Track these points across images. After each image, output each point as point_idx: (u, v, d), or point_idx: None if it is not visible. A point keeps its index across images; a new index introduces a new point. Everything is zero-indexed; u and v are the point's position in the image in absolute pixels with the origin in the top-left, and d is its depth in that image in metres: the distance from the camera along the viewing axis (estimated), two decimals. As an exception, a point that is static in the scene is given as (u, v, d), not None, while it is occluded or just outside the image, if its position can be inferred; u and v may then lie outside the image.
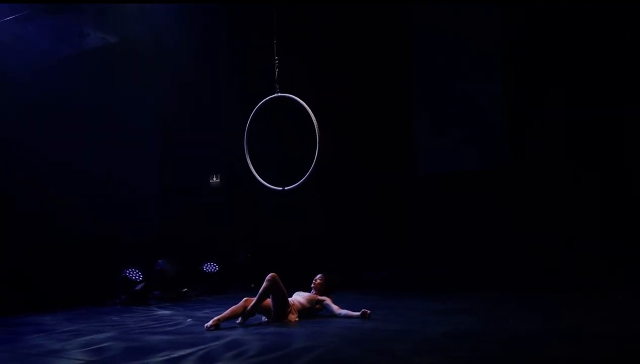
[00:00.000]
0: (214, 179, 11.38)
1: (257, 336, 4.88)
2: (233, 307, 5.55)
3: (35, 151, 7.94)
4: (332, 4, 9.98)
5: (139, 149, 9.65)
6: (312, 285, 6.20)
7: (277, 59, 6.74)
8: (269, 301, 5.68)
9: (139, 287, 7.88)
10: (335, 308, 6.00)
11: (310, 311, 6.04)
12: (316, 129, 6.32)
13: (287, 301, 5.78)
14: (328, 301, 6.10)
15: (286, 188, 6.52)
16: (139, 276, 8.01)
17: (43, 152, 8.01)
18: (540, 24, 9.35)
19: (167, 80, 9.81)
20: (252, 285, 9.06)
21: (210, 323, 5.31)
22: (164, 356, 4.12)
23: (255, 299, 5.54)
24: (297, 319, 5.78)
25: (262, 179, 6.67)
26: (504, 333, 4.78)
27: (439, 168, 10.20)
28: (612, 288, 7.44)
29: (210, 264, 9.26)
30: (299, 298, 6.04)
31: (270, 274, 5.57)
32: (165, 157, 10.07)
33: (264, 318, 5.75)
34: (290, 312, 5.76)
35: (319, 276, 6.24)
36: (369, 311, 5.80)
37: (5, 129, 7.63)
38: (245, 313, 5.51)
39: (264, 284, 5.55)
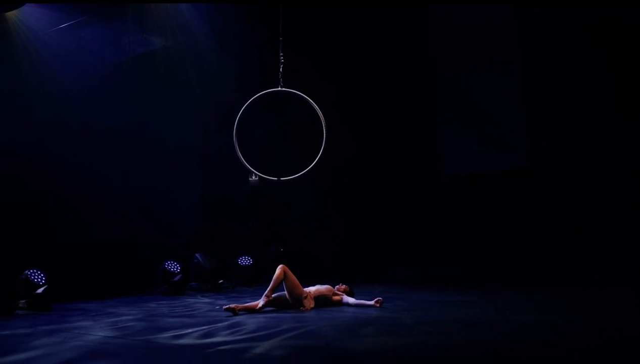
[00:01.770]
0: (253, 177, 12.13)
1: (258, 319, 5.54)
2: (253, 303, 6.20)
3: (87, 164, 8.86)
4: (354, 9, 10.50)
5: (180, 156, 10.51)
6: (336, 288, 6.86)
7: (282, 55, 7.43)
8: (285, 294, 6.30)
9: (176, 278, 8.69)
10: (351, 300, 6.63)
11: (326, 300, 6.59)
12: (323, 124, 6.94)
13: (300, 288, 6.36)
14: (346, 297, 6.72)
15: (282, 179, 7.17)
16: (177, 268, 8.84)
17: (96, 166, 8.95)
18: (558, 26, 9.50)
19: (206, 91, 10.61)
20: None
21: (230, 305, 5.96)
22: (171, 333, 4.83)
23: (270, 287, 6.17)
24: (312, 305, 6.36)
25: (257, 170, 7.37)
26: (495, 322, 5.20)
27: (459, 171, 10.55)
28: (616, 286, 7.61)
29: (245, 258, 9.99)
30: (318, 286, 6.67)
31: (279, 265, 6.22)
32: (205, 163, 10.86)
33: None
34: (305, 298, 6.35)
35: (344, 285, 6.94)
36: (381, 299, 6.37)
37: (55, 142, 8.56)
38: (266, 303, 6.12)
39: (277, 271, 6.22)
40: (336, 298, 6.70)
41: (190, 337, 4.65)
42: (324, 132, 7.37)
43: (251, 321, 5.41)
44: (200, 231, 10.34)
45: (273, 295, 6.31)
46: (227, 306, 6.04)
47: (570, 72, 9.42)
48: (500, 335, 4.51)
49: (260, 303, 6.10)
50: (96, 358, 3.85)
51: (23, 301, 6.78)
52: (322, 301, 6.55)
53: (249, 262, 10.02)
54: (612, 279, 8.22)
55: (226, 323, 5.37)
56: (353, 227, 11.25)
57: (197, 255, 9.38)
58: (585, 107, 9.28)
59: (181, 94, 10.50)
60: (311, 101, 7.27)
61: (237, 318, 5.66)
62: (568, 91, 9.43)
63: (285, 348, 4.05)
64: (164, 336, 4.70)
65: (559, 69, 9.53)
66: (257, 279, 9.93)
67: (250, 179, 12.13)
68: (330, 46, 11.10)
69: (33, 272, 7.04)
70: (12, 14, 8.44)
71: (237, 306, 6.04)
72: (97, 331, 5.05)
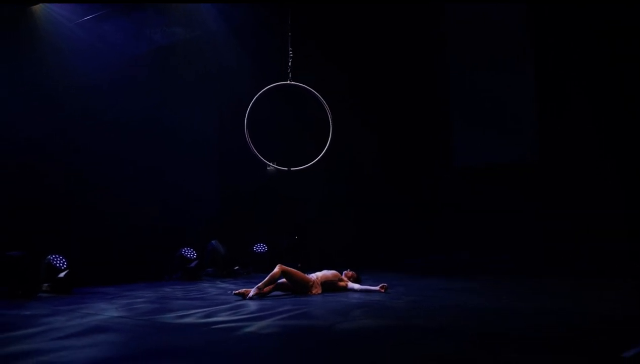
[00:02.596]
0: (270, 166, 12.43)
1: (263, 302, 5.84)
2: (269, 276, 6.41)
3: (107, 155, 9.31)
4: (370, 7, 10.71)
5: (199, 148, 10.87)
6: (344, 274, 7.07)
7: (290, 50, 7.71)
8: (287, 283, 6.55)
9: (192, 264, 9.06)
10: (356, 285, 6.85)
11: (333, 285, 6.81)
12: (329, 116, 7.19)
13: (304, 279, 6.57)
14: (351, 283, 6.92)
15: (292, 169, 7.44)
16: (193, 255, 9.21)
17: (116, 157, 9.41)
18: (569, 21, 9.53)
19: (225, 85, 10.92)
20: (299, 265, 10.06)
21: (252, 292, 6.15)
22: (176, 314, 5.16)
23: (265, 280, 6.38)
24: (320, 291, 6.60)
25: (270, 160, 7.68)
26: (489, 308, 5.33)
27: (473, 162, 10.68)
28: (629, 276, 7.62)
29: (260, 245, 10.31)
30: (325, 272, 6.89)
31: (277, 266, 6.47)
32: (223, 154, 11.21)
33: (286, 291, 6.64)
34: (312, 286, 6.59)
35: (352, 271, 7.12)
36: (386, 285, 6.60)
37: (77, 133, 9.00)
38: (260, 294, 6.26)
39: (275, 269, 6.42)
40: (342, 283, 6.91)
41: (193, 317, 4.97)
42: (330, 124, 7.60)
43: (254, 304, 5.71)
44: (217, 219, 10.71)
45: (279, 281, 6.54)
46: (237, 290, 6.30)
47: (581, 65, 9.46)
48: (487, 320, 4.68)
49: (252, 292, 6.20)
50: (96, 333, 4.20)
51: (46, 284, 7.22)
52: (328, 286, 6.77)
53: (264, 249, 10.34)
54: (625, 269, 8.22)
55: (231, 305, 5.68)
56: (366, 216, 11.46)
57: (213, 242, 9.72)
58: (596, 99, 9.30)
59: (200, 87, 10.86)
60: (317, 93, 7.51)
61: (243, 301, 5.95)
62: (579, 83, 9.47)
63: (275, 327, 4.33)
64: (169, 316, 5.03)
65: (570, 62, 9.58)
66: (272, 266, 10.21)
67: (267, 168, 12.44)
68: (347, 42, 11.31)
69: (55, 257, 7.46)
70: (37, 8, 8.82)
71: (247, 291, 6.28)
72: (110, 312, 5.41)
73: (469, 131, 10.77)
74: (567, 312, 5.02)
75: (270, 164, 8.21)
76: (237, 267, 9.87)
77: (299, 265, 9.97)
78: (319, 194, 11.44)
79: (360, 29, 11.23)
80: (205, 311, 5.29)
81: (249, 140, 7.57)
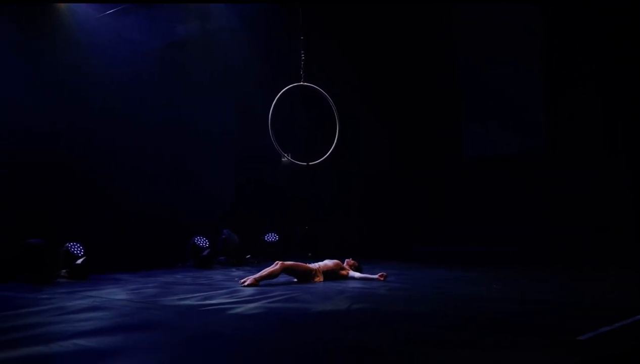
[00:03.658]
0: (286, 158, 12.77)
1: (261, 287, 6.13)
2: (268, 268, 6.70)
3: (131, 150, 9.78)
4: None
5: (216, 143, 11.28)
6: (345, 262, 7.30)
7: (302, 53, 8.03)
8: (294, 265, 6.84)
9: (205, 253, 9.44)
10: (357, 274, 7.07)
11: (335, 274, 7.05)
12: (335, 114, 7.53)
13: (306, 270, 6.80)
14: (352, 272, 7.14)
15: (310, 163, 7.79)
16: (206, 243, 9.59)
17: (137, 150, 9.86)
18: (575, 18, 9.63)
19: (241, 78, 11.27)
20: (310, 254, 10.38)
21: (248, 280, 6.41)
22: (177, 297, 5.51)
23: (262, 275, 6.61)
24: (322, 279, 6.87)
25: (289, 156, 8.02)
26: (476, 296, 5.49)
27: (480, 153, 10.82)
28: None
29: (272, 235, 10.65)
30: (326, 262, 7.16)
31: (279, 263, 6.71)
32: (237, 146, 11.58)
33: (294, 279, 6.92)
34: (315, 275, 6.85)
35: (353, 260, 7.36)
36: (385, 273, 6.82)
37: (104, 131, 9.45)
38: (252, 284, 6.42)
39: (274, 267, 6.65)
40: (343, 272, 7.13)
41: (191, 300, 5.32)
42: (337, 122, 7.94)
43: (251, 290, 6.02)
44: (230, 210, 11.09)
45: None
46: (248, 282, 6.41)
47: (586, 61, 9.55)
48: (464, 306, 4.89)
49: (248, 280, 6.41)
50: (93, 311, 4.60)
51: (64, 270, 7.68)
52: (330, 275, 7.02)
53: (276, 238, 10.67)
54: (630, 262, 8.27)
55: (230, 289, 6.01)
56: (377, 207, 11.70)
57: (225, 231, 10.10)
58: (601, 94, 9.39)
59: (217, 81, 11.22)
60: (326, 94, 7.87)
61: (241, 287, 6.27)
62: (584, 78, 9.57)
63: (261, 308, 4.65)
64: (169, 299, 5.40)
65: (576, 58, 9.66)
66: (283, 255, 10.56)
67: (282, 159, 12.77)
68: (361, 40, 11.61)
69: (73, 245, 7.92)
70: (61, 4, 9.24)
71: (255, 278, 6.48)
72: (117, 295, 5.81)
73: (479, 124, 10.92)
74: (545, 299, 5.19)
75: (286, 156, 8.55)
76: (248, 256, 10.24)
77: (309, 254, 10.33)
78: (331, 186, 11.73)
79: (373, 27, 11.51)
80: (204, 295, 5.63)
81: (272, 137, 7.95)
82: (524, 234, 9.92)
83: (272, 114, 8.05)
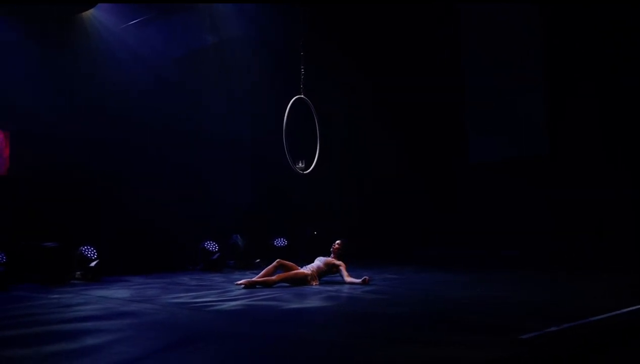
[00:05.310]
0: (300, 164, 13.15)
1: (250, 289, 6.47)
2: (264, 269, 7.04)
3: (145, 156, 10.31)
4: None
5: (234, 150, 11.72)
6: (331, 249, 7.39)
7: (302, 68, 8.41)
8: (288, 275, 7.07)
9: (214, 256, 9.83)
10: (345, 274, 7.15)
11: (327, 274, 7.29)
12: (317, 127, 7.90)
13: (300, 273, 7.01)
14: (342, 267, 7.25)
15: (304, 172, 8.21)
16: (215, 247, 9.99)
17: (152, 157, 10.38)
18: (576, 22, 9.80)
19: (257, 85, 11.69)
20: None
21: (243, 281, 6.71)
22: (171, 296, 5.89)
23: (261, 274, 6.98)
24: (317, 283, 7.11)
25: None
26: (458, 297, 5.71)
27: (486, 157, 10.99)
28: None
29: (280, 240, 10.98)
30: (318, 262, 7.33)
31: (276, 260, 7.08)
32: (256, 157, 12.02)
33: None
34: (310, 279, 7.02)
35: (338, 241, 7.41)
36: (367, 278, 6.94)
37: (121, 137, 9.98)
38: (251, 284, 6.74)
39: (273, 263, 7.03)
40: (335, 269, 7.22)
41: (183, 298, 5.70)
42: (318, 134, 8.37)
43: (242, 290, 6.37)
44: (242, 215, 11.48)
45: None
46: (241, 282, 6.74)
47: (588, 65, 9.74)
48: (436, 308, 5.13)
49: (243, 281, 6.73)
50: (85, 305, 5.04)
51: (78, 272, 8.17)
52: (324, 273, 7.22)
53: (284, 243, 11.00)
54: (632, 265, 8.33)
55: (223, 290, 6.37)
56: (386, 211, 11.97)
57: (235, 236, 10.48)
58: (602, 97, 9.58)
59: (234, 88, 11.66)
60: (311, 104, 8.31)
61: (235, 287, 6.63)
62: (586, 82, 9.75)
63: (241, 305, 5.00)
64: (164, 297, 5.81)
65: (578, 61, 9.87)
66: (293, 259, 10.87)
67: (297, 166, 13.15)
68: (368, 46, 11.99)
69: (87, 248, 8.40)
70: (87, 14, 9.80)
71: (248, 281, 6.73)
72: (120, 294, 6.23)
73: (483, 128, 11.08)
74: (516, 301, 5.42)
75: (298, 163, 9.02)
76: (258, 260, 10.59)
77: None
78: (340, 191, 12.05)
79: (380, 32, 11.82)
80: (196, 294, 6.00)
81: (286, 147, 8.39)
82: (526, 237, 10.06)
83: (285, 126, 8.48)
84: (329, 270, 7.25)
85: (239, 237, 10.52)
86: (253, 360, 3.23)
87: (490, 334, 3.86)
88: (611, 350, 3.66)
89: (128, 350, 3.40)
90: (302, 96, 8.70)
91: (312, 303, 5.20)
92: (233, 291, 6.24)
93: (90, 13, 9.83)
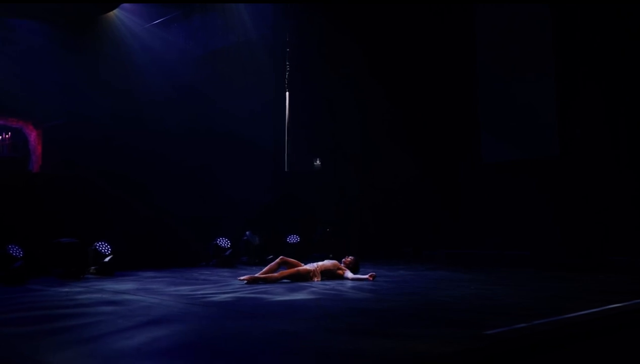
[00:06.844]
0: (317, 162, 13.40)
1: (249, 285, 6.69)
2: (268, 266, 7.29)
3: (162, 156, 10.65)
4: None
5: (254, 153, 12.00)
6: (342, 260, 7.67)
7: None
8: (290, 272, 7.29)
9: (227, 253, 10.10)
10: (350, 274, 7.39)
11: (332, 273, 7.46)
12: None
13: (302, 270, 7.21)
14: (348, 272, 7.47)
15: None
16: (227, 244, 10.25)
17: (168, 157, 10.72)
18: (588, 25, 9.79)
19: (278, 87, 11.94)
20: (331, 255, 10.84)
21: (246, 277, 6.93)
22: (173, 288, 6.16)
23: (264, 270, 7.22)
24: (319, 279, 7.28)
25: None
26: (442, 296, 5.81)
27: (497, 158, 11.10)
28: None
29: (293, 237, 11.19)
30: (325, 262, 7.58)
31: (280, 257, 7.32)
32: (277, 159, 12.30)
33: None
34: (312, 276, 7.24)
35: (350, 257, 7.70)
36: (374, 274, 7.23)
37: (138, 137, 10.35)
38: (254, 280, 6.95)
39: (277, 260, 7.26)
40: (340, 272, 7.48)
41: (183, 291, 5.96)
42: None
43: (240, 284, 6.60)
44: (257, 212, 11.75)
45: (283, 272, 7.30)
46: (243, 277, 7.00)
47: (598, 67, 9.75)
48: (426, 305, 5.25)
49: (246, 276, 6.96)
50: (88, 293, 5.34)
51: (93, 268, 8.53)
52: (328, 275, 7.41)
53: (297, 240, 11.21)
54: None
55: (223, 283, 6.61)
56: (399, 211, 12.08)
57: (248, 233, 10.73)
58: (612, 99, 9.55)
59: (253, 89, 11.93)
60: None
61: (234, 281, 6.85)
62: (596, 83, 9.76)
63: (232, 297, 5.22)
64: (166, 290, 6.07)
65: (589, 64, 9.86)
66: (304, 256, 11.08)
67: (314, 163, 13.42)
68: (383, 48, 12.13)
69: (101, 244, 8.74)
70: (110, 15, 10.17)
71: (251, 277, 6.94)
72: (126, 287, 6.52)
73: (494, 130, 11.13)
74: (496, 298, 5.53)
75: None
76: (270, 257, 10.80)
77: (331, 255, 10.78)
78: (351, 191, 12.20)
79: (395, 36, 11.97)
80: (197, 287, 6.26)
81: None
82: (537, 238, 10.05)
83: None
84: (334, 271, 7.41)
85: (250, 234, 10.77)
86: (206, 339, 3.53)
87: (459, 327, 3.97)
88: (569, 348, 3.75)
89: (98, 328, 3.83)
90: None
91: (299, 295, 5.38)
92: (232, 285, 6.46)
93: (114, 13, 10.16)
